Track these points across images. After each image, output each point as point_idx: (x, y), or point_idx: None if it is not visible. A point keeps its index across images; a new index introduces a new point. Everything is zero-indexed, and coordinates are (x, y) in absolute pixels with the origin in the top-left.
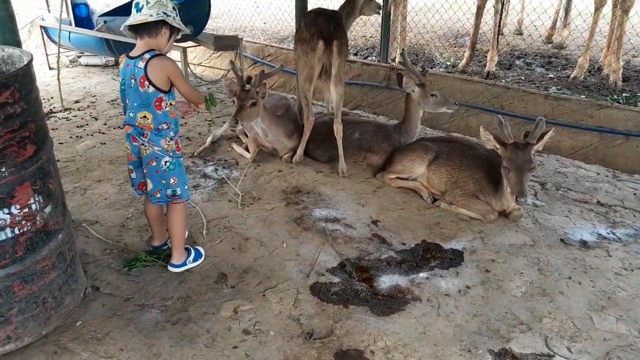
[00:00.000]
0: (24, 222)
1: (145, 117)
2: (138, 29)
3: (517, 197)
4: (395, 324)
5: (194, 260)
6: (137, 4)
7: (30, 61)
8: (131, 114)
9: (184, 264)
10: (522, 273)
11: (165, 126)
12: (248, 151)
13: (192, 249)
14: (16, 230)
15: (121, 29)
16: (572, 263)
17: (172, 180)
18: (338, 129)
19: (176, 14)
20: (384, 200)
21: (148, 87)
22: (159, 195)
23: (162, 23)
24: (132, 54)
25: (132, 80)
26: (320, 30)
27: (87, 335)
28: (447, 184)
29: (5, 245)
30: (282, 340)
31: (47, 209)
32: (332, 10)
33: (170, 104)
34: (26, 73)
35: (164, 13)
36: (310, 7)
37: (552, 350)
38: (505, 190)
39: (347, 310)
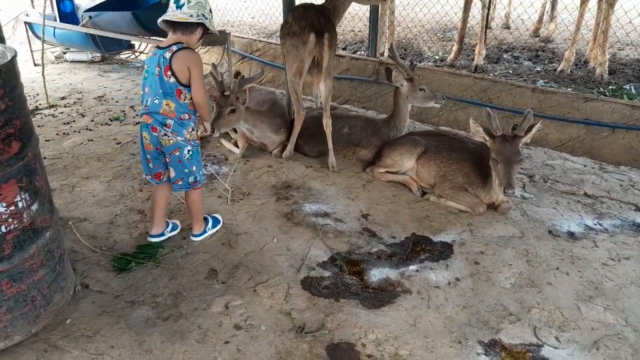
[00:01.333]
0: (10, 220)
1: (168, 105)
2: (174, 24)
3: (504, 188)
4: (385, 316)
5: (213, 226)
6: (178, 0)
7: (14, 57)
8: (156, 101)
9: (204, 231)
10: (510, 265)
11: (187, 116)
12: (237, 146)
13: (209, 217)
14: (3, 228)
15: (158, 21)
16: (559, 254)
17: (193, 168)
18: (327, 123)
19: (212, 16)
20: (374, 194)
21: (170, 77)
22: (181, 183)
23: (198, 24)
24: (161, 44)
25: (158, 69)
26: (311, 23)
27: (77, 332)
28: (436, 178)
29: None
30: (274, 334)
31: (34, 207)
32: (320, 5)
33: (190, 98)
34: (10, 69)
35: (203, 15)
36: (297, 2)
37: (541, 340)
38: (494, 182)
39: (338, 304)
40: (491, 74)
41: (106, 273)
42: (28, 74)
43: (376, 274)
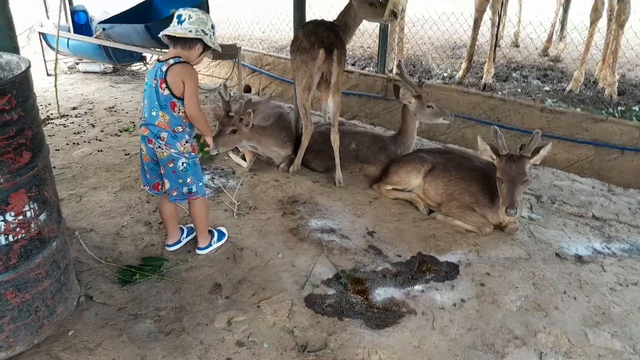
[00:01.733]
0: (18, 230)
1: (163, 117)
2: (174, 39)
3: (507, 208)
4: (390, 337)
5: (218, 240)
6: (180, 16)
7: (28, 68)
8: (153, 113)
9: (209, 245)
10: (517, 287)
11: (180, 129)
12: (245, 160)
13: (214, 230)
14: (10, 238)
15: (159, 35)
16: (567, 277)
17: (188, 180)
18: (335, 139)
19: (213, 32)
20: (380, 212)
21: (164, 89)
22: (175, 194)
23: (197, 39)
24: (162, 57)
25: (155, 81)
26: (320, 39)
27: (79, 345)
28: (443, 196)
29: None
30: (276, 352)
31: (42, 217)
32: (330, 22)
33: (184, 111)
34: (23, 80)
35: (202, 31)
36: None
37: None
38: (501, 202)
39: (341, 323)
40: (500, 92)
41: (110, 285)
42: (41, 84)
43: (381, 293)
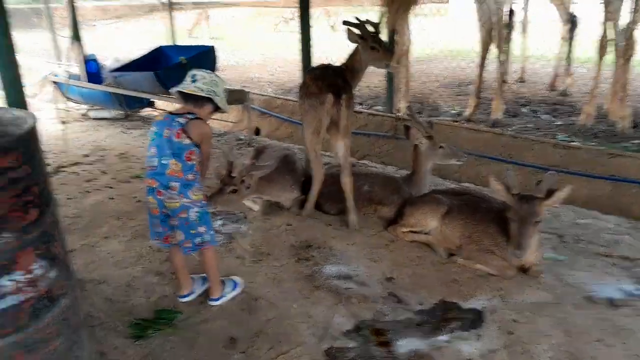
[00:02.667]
0: (26, 289)
1: (176, 164)
2: (185, 96)
3: (514, 249)
4: None
5: (232, 290)
6: (194, 75)
7: (35, 123)
8: (164, 161)
9: (223, 295)
10: (547, 335)
11: (191, 177)
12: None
13: (227, 280)
14: (19, 298)
15: (171, 90)
16: (600, 323)
17: (201, 229)
18: (346, 182)
19: (224, 95)
20: (398, 255)
21: (185, 139)
22: (189, 245)
23: (208, 99)
24: (174, 111)
25: (168, 131)
26: (328, 84)
27: None
28: (461, 239)
29: (8, 313)
30: None
31: (51, 274)
32: (337, 66)
33: (197, 159)
34: (30, 136)
35: (214, 92)
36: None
37: None
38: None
39: None
40: (510, 128)
41: (123, 340)
42: (54, 132)
43: (404, 345)
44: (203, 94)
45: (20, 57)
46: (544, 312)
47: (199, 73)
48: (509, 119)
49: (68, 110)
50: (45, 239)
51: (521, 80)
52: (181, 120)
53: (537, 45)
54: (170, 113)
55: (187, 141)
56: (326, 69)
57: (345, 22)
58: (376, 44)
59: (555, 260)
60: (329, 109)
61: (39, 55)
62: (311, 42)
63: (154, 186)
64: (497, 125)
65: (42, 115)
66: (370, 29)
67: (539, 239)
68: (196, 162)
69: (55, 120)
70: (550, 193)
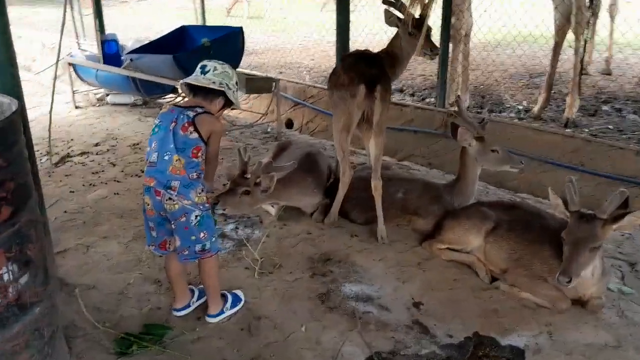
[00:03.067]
0: None
1: (179, 160)
2: (194, 88)
3: (559, 274)
4: None
5: (232, 306)
6: (205, 66)
7: (16, 111)
8: (166, 157)
9: (222, 312)
10: None
11: (195, 175)
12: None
13: (228, 294)
14: None
15: (180, 82)
16: None
17: (201, 235)
18: (376, 187)
19: (237, 88)
20: (431, 276)
21: (192, 132)
22: (187, 253)
23: (220, 93)
24: (182, 104)
25: (173, 124)
26: (361, 74)
27: None
28: (507, 262)
29: None
30: None
31: (23, 279)
32: (375, 53)
33: (203, 157)
34: (8, 125)
35: (227, 85)
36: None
37: None
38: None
39: None
40: (586, 130)
41: (105, 356)
42: (67, 118)
43: None
44: (216, 87)
45: (48, 35)
46: (600, 356)
47: (210, 63)
48: (585, 119)
49: (86, 94)
50: (18, 240)
51: (606, 72)
52: (190, 113)
53: (626, 30)
54: (177, 106)
55: (195, 135)
56: (361, 56)
57: (385, 1)
58: (415, 30)
59: (620, 292)
60: (360, 103)
61: (67, 34)
62: (350, 24)
63: (152, 185)
64: (570, 125)
65: (59, 99)
66: (416, 10)
67: (602, 266)
68: (202, 160)
69: (71, 104)
70: (619, 215)
